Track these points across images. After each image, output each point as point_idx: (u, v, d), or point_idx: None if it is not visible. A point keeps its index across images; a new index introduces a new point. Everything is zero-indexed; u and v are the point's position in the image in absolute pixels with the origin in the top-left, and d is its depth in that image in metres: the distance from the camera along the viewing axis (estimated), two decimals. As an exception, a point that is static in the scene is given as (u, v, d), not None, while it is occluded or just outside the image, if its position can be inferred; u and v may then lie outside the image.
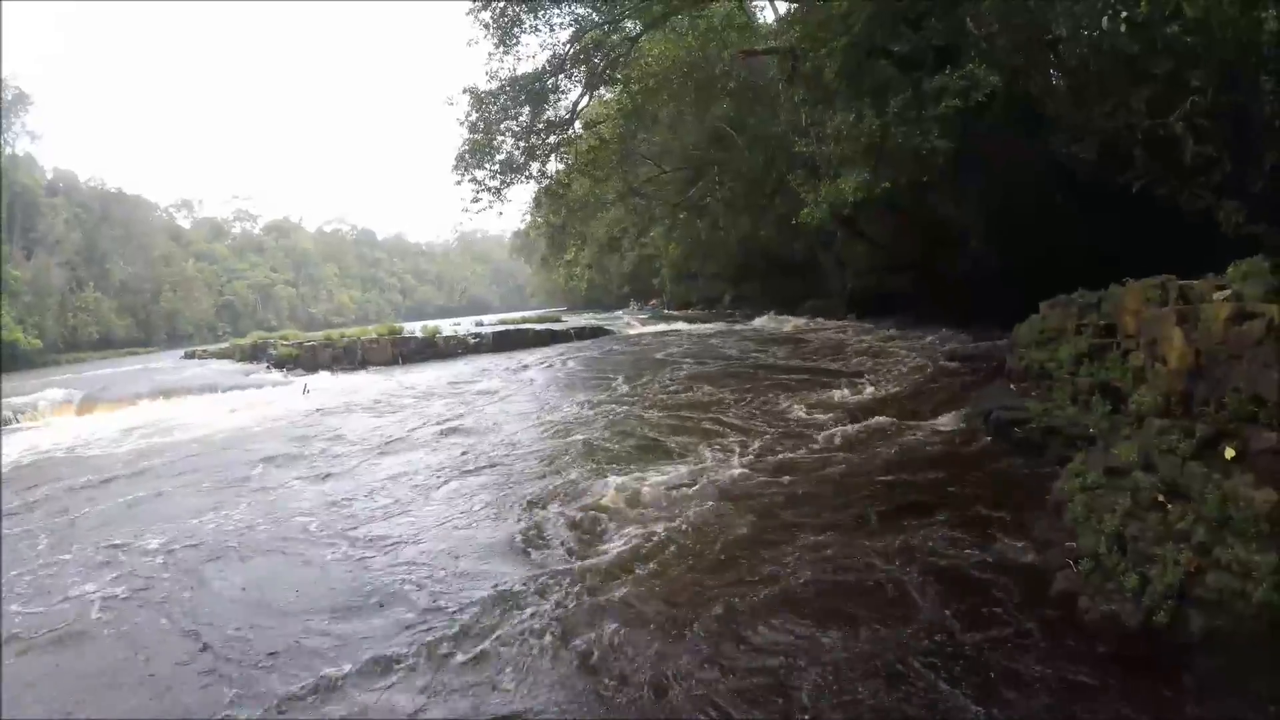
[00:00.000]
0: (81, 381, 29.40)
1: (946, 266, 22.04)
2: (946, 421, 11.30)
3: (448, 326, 42.18)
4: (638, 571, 6.90)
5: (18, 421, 21.44)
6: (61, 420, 21.58)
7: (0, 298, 53.28)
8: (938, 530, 7.11)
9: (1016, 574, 6.12)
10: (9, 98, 71.47)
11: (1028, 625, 5.38)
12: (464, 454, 12.24)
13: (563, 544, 7.81)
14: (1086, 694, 4.64)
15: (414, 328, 40.30)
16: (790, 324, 33.50)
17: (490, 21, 24.55)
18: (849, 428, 11.55)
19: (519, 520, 8.64)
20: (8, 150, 72.82)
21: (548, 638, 5.84)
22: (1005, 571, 6.19)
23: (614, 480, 9.60)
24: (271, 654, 5.97)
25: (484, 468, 11.29)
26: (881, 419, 11.91)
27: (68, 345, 67.47)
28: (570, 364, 26.43)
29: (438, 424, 15.27)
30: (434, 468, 11.56)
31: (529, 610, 6.26)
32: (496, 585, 6.78)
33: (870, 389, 14.67)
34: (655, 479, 9.58)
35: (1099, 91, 13.82)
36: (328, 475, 11.67)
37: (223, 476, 12.25)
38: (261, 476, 12.01)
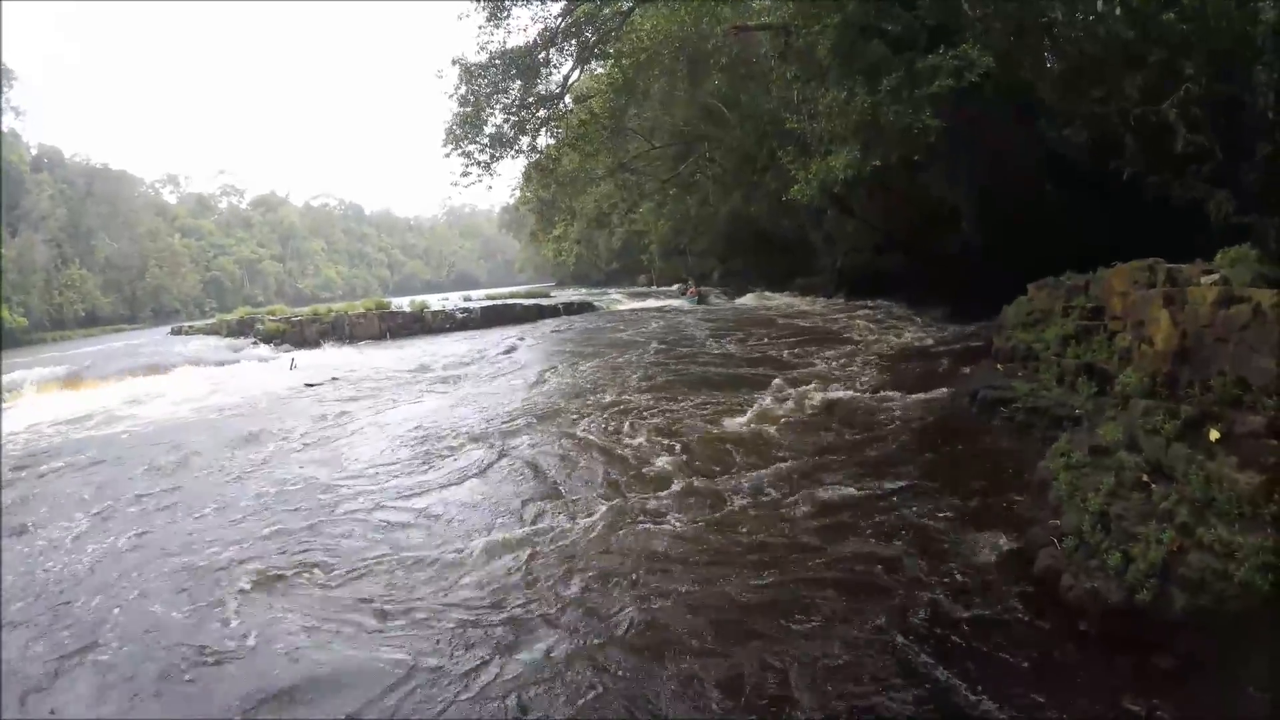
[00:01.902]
0: (66, 359, 29.22)
1: (939, 246, 22.06)
2: (932, 400, 11.36)
3: (436, 301, 42.09)
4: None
5: (6, 398, 21.24)
6: (47, 399, 21.31)
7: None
8: (922, 507, 7.20)
9: (1000, 551, 6.21)
10: None
11: (1010, 601, 5.47)
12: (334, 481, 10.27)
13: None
14: (1068, 670, 4.72)
15: (402, 303, 40.20)
16: (776, 301, 33.66)
17: (482, -7, 24.32)
18: (832, 408, 11.62)
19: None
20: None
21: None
22: (989, 548, 6.27)
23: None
24: None
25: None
26: (866, 397, 12.00)
27: (54, 323, 67.22)
28: (547, 343, 26.76)
29: (374, 415, 14.97)
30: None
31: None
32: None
33: (854, 366, 14.77)
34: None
35: (1092, 77, 13.84)
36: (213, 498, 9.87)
37: (93, 493, 10.71)
38: (141, 492, 10.49)
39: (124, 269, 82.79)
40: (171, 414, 17.30)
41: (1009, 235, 17.24)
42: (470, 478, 9.97)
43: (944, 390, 11.67)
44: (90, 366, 26.13)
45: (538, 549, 7.19)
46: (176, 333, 40.02)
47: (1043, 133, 15.03)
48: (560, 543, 7.30)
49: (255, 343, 32.04)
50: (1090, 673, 4.68)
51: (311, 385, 19.76)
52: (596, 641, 5.51)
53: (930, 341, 17.25)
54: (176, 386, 21.78)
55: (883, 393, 12.15)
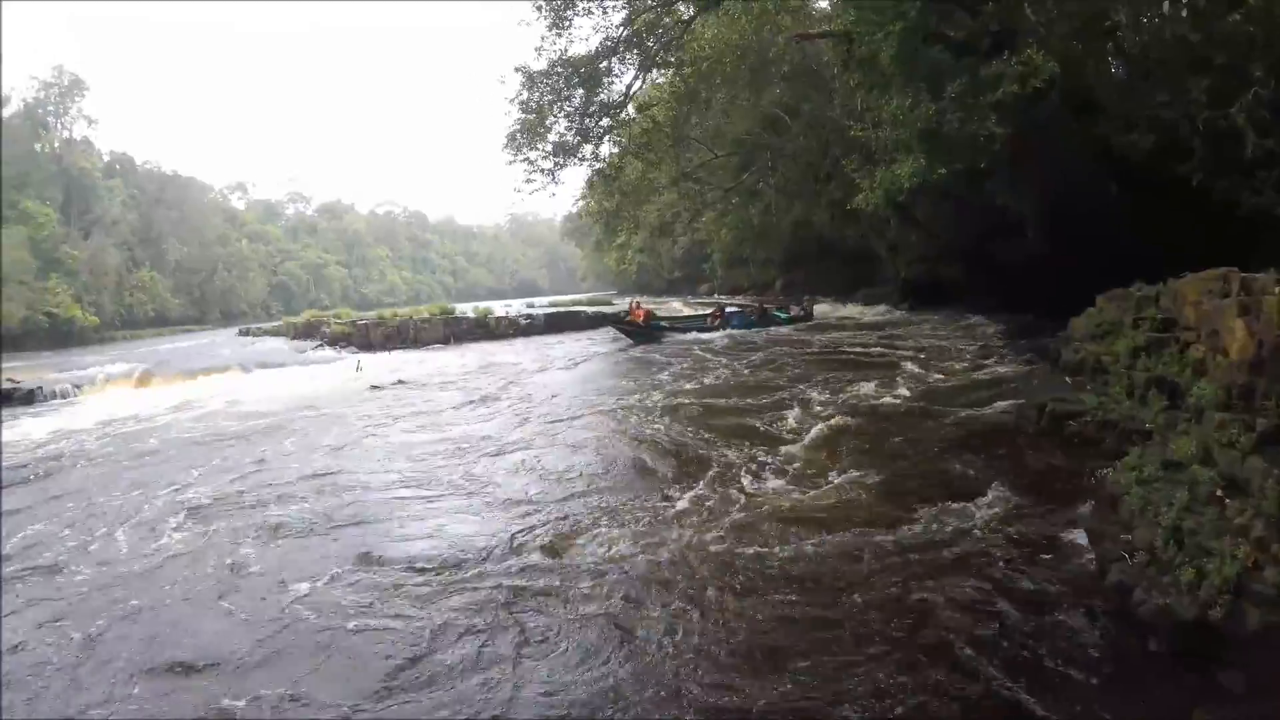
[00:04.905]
0: (136, 357, 30.22)
1: (1004, 255, 21.83)
2: (998, 413, 11.25)
3: (499, 308, 42.50)
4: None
5: (78, 393, 22.27)
6: (119, 393, 22.21)
7: None
8: (990, 521, 7.11)
9: (1071, 565, 6.12)
10: (65, 83, 73.11)
11: (1080, 616, 5.37)
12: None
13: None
14: (1137, 686, 4.63)
15: (465, 308, 40.67)
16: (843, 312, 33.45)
17: (544, 2, 24.49)
18: (895, 421, 11.57)
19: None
20: (64, 134, 75.01)
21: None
22: (1059, 562, 6.18)
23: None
24: None
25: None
26: (931, 409, 11.90)
27: (124, 323, 68.81)
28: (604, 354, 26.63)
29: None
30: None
31: None
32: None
33: (919, 379, 14.72)
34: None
35: (1158, 80, 13.60)
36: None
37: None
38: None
39: (193, 272, 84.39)
40: (244, 411, 17.65)
41: (1075, 244, 17.00)
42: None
43: (1010, 403, 11.54)
44: (163, 364, 26.96)
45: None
46: (244, 334, 41.02)
47: (1108, 138, 14.79)
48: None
49: (321, 345, 32.66)
50: (1160, 689, 4.59)
51: (377, 388, 20.02)
52: (636, 655, 5.51)
53: (996, 353, 17.06)
54: (245, 386, 22.39)
55: (948, 406, 12.05)
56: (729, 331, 29.05)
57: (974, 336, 20.76)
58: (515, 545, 7.53)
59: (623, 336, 29.59)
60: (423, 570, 7.05)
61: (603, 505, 8.68)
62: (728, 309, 32.54)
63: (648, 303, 39.15)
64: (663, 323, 31.37)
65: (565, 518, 8.29)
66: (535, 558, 7.18)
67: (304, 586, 6.86)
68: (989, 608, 5.57)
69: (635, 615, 5.95)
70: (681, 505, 8.39)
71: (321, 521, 8.73)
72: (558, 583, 6.58)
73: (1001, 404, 11.62)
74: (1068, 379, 11.03)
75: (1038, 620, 5.36)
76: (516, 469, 10.63)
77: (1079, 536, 6.54)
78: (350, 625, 6.04)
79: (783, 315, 31.84)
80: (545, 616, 6.00)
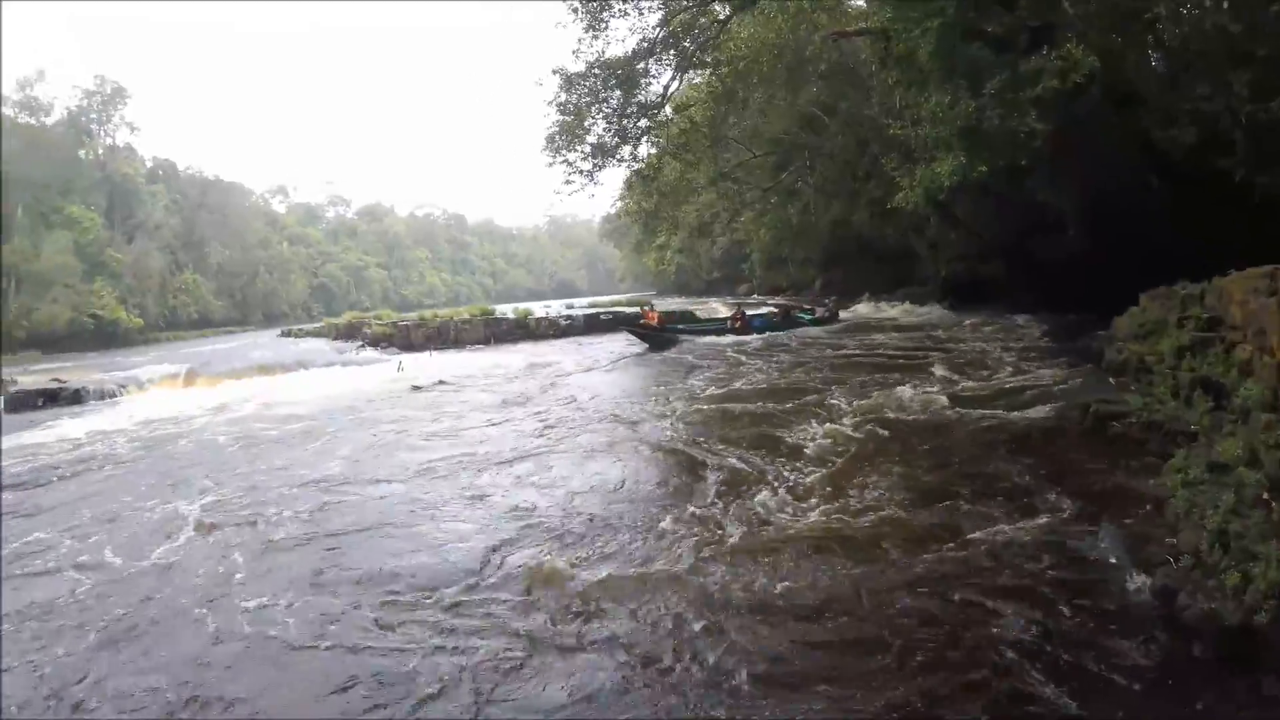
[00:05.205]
0: (183, 358, 30.84)
1: (1043, 252, 21.62)
2: (1041, 415, 11.14)
3: (539, 309, 42.70)
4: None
5: (122, 393, 22.89)
6: (162, 393, 22.83)
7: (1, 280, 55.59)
8: (1035, 521, 7.07)
9: (1114, 568, 6.04)
10: (107, 92, 74.85)
11: (1125, 620, 5.31)
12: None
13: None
14: (1182, 692, 4.57)
15: (505, 310, 40.91)
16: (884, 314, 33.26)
17: (579, 5, 24.54)
18: (936, 426, 11.51)
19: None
20: (107, 141, 77.16)
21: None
22: (1103, 565, 6.11)
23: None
24: None
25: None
26: (972, 413, 11.80)
27: (168, 324, 70.47)
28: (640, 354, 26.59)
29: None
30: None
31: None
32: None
33: (959, 381, 14.63)
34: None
35: (1198, 73, 13.41)
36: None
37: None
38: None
39: (235, 275, 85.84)
40: (281, 414, 17.71)
41: (1116, 240, 16.81)
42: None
43: (1053, 405, 11.43)
44: (206, 365, 27.67)
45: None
46: (286, 335, 41.65)
47: (1149, 133, 14.60)
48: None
49: (363, 346, 33.13)
50: (1205, 696, 4.52)
51: (418, 389, 20.13)
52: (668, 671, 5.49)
53: (1038, 354, 16.89)
54: (287, 387, 22.80)
55: (989, 409, 11.93)
56: (753, 335, 28.05)
57: (1016, 337, 20.55)
58: (517, 559, 7.42)
59: (638, 340, 29.02)
60: (410, 588, 6.90)
61: (618, 520, 8.46)
62: (749, 311, 31.85)
63: (688, 304, 39.16)
64: (678, 326, 30.58)
65: (576, 532, 8.11)
66: (536, 572, 6.99)
67: (283, 601, 6.78)
68: (1030, 613, 5.50)
69: (641, 639, 5.76)
70: (699, 520, 8.21)
71: (319, 534, 8.62)
72: (558, 603, 6.40)
73: (1044, 406, 11.50)
74: (1111, 379, 10.90)
75: (1081, 625, 5.30)
76: (538, 480, 10.39)
77: (1124, 540, 6.47)
78: (324, 645, 5.91)
79: (808, 317, 31.32)
80: (540, 636, 5.86)
